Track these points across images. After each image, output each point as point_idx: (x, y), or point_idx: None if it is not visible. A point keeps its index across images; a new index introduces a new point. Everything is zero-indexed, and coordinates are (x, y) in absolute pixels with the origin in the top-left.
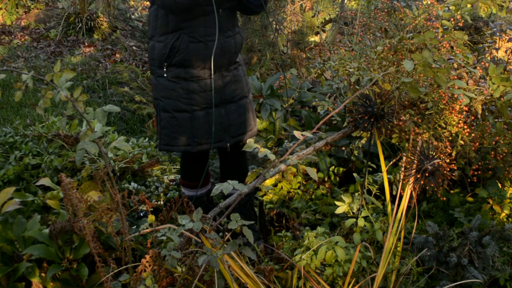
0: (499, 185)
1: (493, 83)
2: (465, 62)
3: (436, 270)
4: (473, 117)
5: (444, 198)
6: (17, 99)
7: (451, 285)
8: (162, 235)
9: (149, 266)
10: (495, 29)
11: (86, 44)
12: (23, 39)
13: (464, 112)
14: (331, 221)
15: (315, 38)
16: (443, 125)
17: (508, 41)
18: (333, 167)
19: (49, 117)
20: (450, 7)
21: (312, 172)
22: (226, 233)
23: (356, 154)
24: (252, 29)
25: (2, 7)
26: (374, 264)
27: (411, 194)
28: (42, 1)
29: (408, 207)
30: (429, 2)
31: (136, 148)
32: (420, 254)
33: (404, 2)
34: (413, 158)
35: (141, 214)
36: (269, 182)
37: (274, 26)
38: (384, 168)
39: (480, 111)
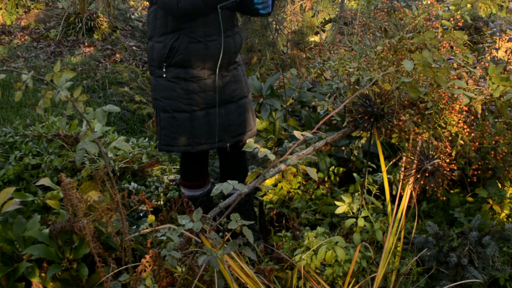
0: (499, 185)
1: (493, 83)
2: (465, 62)
3: (436, 270)
4: (473, 117)
5: (444, 198)
6: (17, 99)
7: (451, 285)
8: (162, 235)
9: (149, 266)
10: (495, 29)
11: (86, 44)
12: (23, 39)
13: (464, 112)
14: (331, 221)
15: (315, 38)
16: (443, 125)
17: (508, 41)
18: (333, 167)
19: (49, 117)
20: (450, 7)
21: (312, 172)
22: (226, 233)
23: (356, 154)
24: (252, 29)
25: (2, 7)
26: (374, 264)
27: (411, 194)
28: (42, 1)
29: (408, 207)
30: (429, 2)
31: (136, 148)
32: (420, 254)
33: (404, 2)
34: (413, 158)
35: (141, 214)
36: (269, 182)
37: (274, 26)
38: (384, 168)
39: (480, 111)
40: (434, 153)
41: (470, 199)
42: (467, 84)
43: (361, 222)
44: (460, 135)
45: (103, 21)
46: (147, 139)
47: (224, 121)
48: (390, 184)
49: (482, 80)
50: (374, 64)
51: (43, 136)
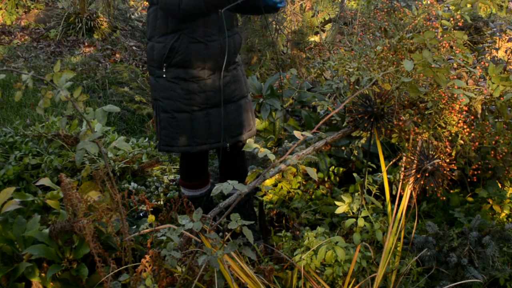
0: (499, 185)
1: (493, 83)
2: (464, 62)
3: (436, 270)
4: (472, 117)
5: (444, 198)
6: (17, 99)
7: (451, 285)
8: (162, 235)
9: (149, 266)
10: (495, 29)
11: (86, 44)
12: (23, 39)
13: (464, 112)
14: (331, 221)
15: (315, 38)
16: (443, 125)
17: (508, 41)
18: (333, 167)
19: (49, 117)
20: (450, 7)
21: (312, 172)
22: (226, 233)
23: (356, 154)
24: (252, 29)
25: (2, 7)
26: (374, 264)
27: (411, 194)
28: (42, 1)
29: (408, 207)
30: (428, 2)
31: (136, 148)
32: (420, 254)
33: (403, 2)
34: (413, 158)
35: (141, 214)
36: (269, 182)
37: (274, 26)
38: (384, 168)
39: (480, 111)
40: (434, 153)
41: (470, 199)
42: (467, 84)
43: (361, 222)
44: (460, 135)
45: (103, 21)
46: (147, 139)
47: (224, 121)
48: (390, 184)
49: (482, 80)
50: (374, 64)
51: (43, 136)
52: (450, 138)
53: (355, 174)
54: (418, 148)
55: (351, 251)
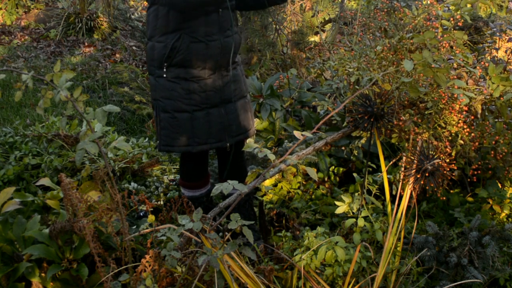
0: (499, 185)
1: (493, 83)
2: (464, 62)
3: (436, 270)
4: (472, 117)
5: (444, 198)
6: (17, 99)
7: (451, 285)
8: (162, 235)
9: (149, 266)
10: (495, 29)
11: (86, 44)
12: (23, 39)
13: (464, 112)
14: (331, 221)
15: (315, 38)
16: (443, 125)
17: (508, 41)
18: (333, 167)
19: (49, 117)
20: (450, 7)
21: (312, 172)
22: (226, 233)
23: (356, 154)
24: (252, 29)
25: (2, 7)
26: (374, 264)
27: (411, 194)
28: (42, 1)
29: (408, 207)
30: (428, 2)
31: (136, 148)
32: (420, 254)
33: (403, 2)
34: (413, 158)
35: (141, 214)
36: (269, 182)
37: (274, 26)
38: (384, 168)
39: (480, 111)
40: (434, 153)
41: (470, 199)
42: (467, 84)
43: (361, 222)
44: (460, 135)
45: (103, 21)
46: (147, 139)
47: (224, 120)
48: (390, 184)
49: (482, 80)
50: (374, 64)
51: (43, 136)
52: (450, 138)
53: (355, 174)
54: (418, 148)
55: (351, 251)
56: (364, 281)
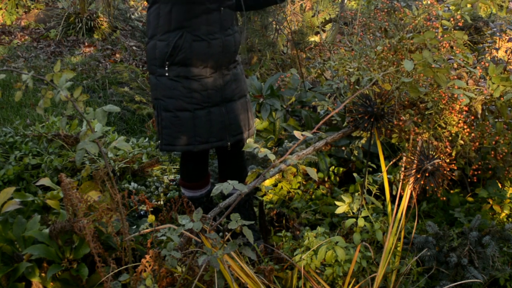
0: (499, 185)
1: (493, 83)
2: (465, 62)
3: (436, 270)
4: (473, 117)
5: (444, 198)
6: (17, 99)
7: (451, 285)
8: (162, 235)
9: (149, 266)
10: (495, 29)
11: (86, 44)
12: (23, 39)
13: (464, 112)
14: (331, 221)
15: (315, 38)
16: (443, 125)
17: (508, 41)
18: (333, 167)
19: (49, 117)
20: (450, 7)
21: (312, 172)
22: (226, 233)
23: (356, 154)
24: (252, 29)
25: (2, 7)
26: (374, 264)
27: (411, 194)
28: (42, 1)
29: (408, 207)
30: (429, 2)
31: (136, 148)
32: (420, 254)
33: (404, 2)
34: (413, 158)
35: (142, 213)
36: (269, 182)
37: (274, 26)
38: (384, 168)
39: (480, 111)
40: (434, 153)
41: (470, 199)
42: (467, 84)
43: (361, 222)
44: (460, 135)
45: (103, 21)
46: (147, 139)
47: (225, 119)
48: (390, 184)
49: (482, 80)
50: (374, 64)
51: (43, 136)
52: (450, 138)
53: (355, 174)
54: (418, 148)
55: (351, 251)
56: (364, 281)
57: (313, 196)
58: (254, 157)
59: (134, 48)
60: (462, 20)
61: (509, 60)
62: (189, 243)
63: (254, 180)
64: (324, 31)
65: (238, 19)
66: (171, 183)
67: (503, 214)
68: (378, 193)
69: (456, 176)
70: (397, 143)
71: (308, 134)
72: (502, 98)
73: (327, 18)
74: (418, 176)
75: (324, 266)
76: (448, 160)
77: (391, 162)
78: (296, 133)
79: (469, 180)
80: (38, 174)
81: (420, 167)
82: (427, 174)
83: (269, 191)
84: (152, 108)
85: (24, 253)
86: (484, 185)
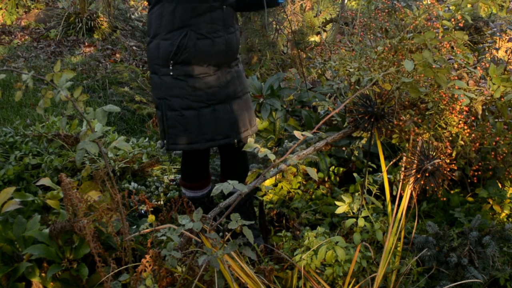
0: (499, 185)
1: (494, 84)
2: (465, 62)
3: (436, 270)
4: (473, 118)
5: (444, 198)
6: (17, 99)
7: (451, 285)
8: (162, 235)
9: (149, 266)
10: (495, 29)
11: (86, 44)
12: (23, 39)
13: (465, 113)
14: (331, 221)
15: (315, 38)
16: (443, 126)
17: (508, 41)
18: (333, 167)
19: (49, 117)
20: (451, 7)
21: (312, 172)
22: (226, 233)
23: (356, 154)
24: (252, 29)
25: (2, 7)
26: (374, 264)
27: (411, 194)
28: (42, 1)
29: (408, 207)
30: (429, 2)
31: (136, 148)
32: (420, 254)
33: (404, 2)
34: (413, 158)
35: (142, 212)
36: (269, 182)
37: (274, 26)
38: (384, 168)
39: (480, 112)
40: (434, 153)
41: (470, 199)
42: (467, 84)
43: (361, 222)
44: (460, 136)
45: (103, 21)
46: (147, 139)
47: (230, 117)
48: (390, 184)
49: (483, 80)
50: (375, 64)
51: (43, 136)
52: (450, 138)
53: (355, 174)
54: (418, 148)
55: (351, 251)
56: (364, 281)
57: (313, 196)
58: (254, 157)
59: (134, 48)
60: (463, 20)
61: (509, 60)
62: (189, 243)
63: (254, 180)
64: (324, 31)
65: (238, 18)
66: (171, 183)
67: (503, 214)
68: (378, 193)
69: (456, 176)
70: (397, 143)
71: (308, 134)
72: (502, 99)
73: (327, 18)
74: (418, 176)
75: (324, 266)
76: (448, 160)
77: (391, 162)
78: (296, 133)
79: (469, 180)
80: (38, 174)
81: (420, 167)
82: (427, 174)
83: (269, 191)
84: (155, 108)
85: (24, 253)
86: (484, 185)
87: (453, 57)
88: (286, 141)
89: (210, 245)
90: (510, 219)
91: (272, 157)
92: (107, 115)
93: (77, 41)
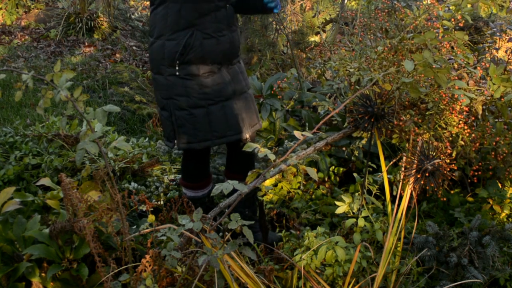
0: (499, 185)
1: (494, 84)
2: (465, 62)
3: (436, 270)
4: (473, 118)
5: (444, 198)
6: (17, 99)
7: (451, 285)
8: (162, 235)
9: (149, 266)
10: (495, 29)
11: (86, 44)
12: (23, 39)
13: (465, 113)
14: (331, 221)
15: (315, 38)
16: (444, 126)
17: (508, 41)
18: (333, 167)
19: (49, 117)
20: (451, 7)
21: (312, 172)
22: (226, 233)
23: (356, 154)
24: (252, 29)
25: (2, 7)
26: (374, 264)
27: (411, 194)
28: (42, 1)
29: (408, 207)
30: (429, 2)
31: (136, 148)
32: (420, 254)
33: (404, 2)
34: (413, 158)
35: (143, 210)
36: (269, 182)
37: (274, 26)
38: (384, 168)
39: (480, 112)
40: (434, 154)
41: (470, 199)
42: (467, 84)
43: (361, 222)
44: (460, 136)
45: (103, 21)
46: (147, 139)
47: (240, 112)
48: (391, 184)
49: (483, 80)
50: (375, 64)
51: (43, 136)
52: (450, 138)
53: (355, 174)
54: (418, 148)
55: (351, 251)
56: (364, 281)
57: (313, 196)
58: (254, 156)
59: (134, 48)
60: (463, 21)
61: (509, 60)
62: (189, 243)
63: (254, 180)
64: (324, 31)
65: (238, 18)
66: (171, 183)
67: (503, 214)
68: (378, 193)
69: (456, 176)
70: (397, 143)
71: (308, 134)
72: (502, 99)
73: (327, 18)
74: (418, 176)
75: (324, 266)
76: (448, 161)
77: (391, 162)
78: (296, 133)
79: (469, 180)
80: (38, 174)
81: (420, 167)
82: (427, 174)
83: (269, 191)
84: (161, 108)
85: (24, 253)
86: (484, 185)
87: (453, 57)
88: (286, 141)
89: (210, 245)
90: (510, 219)
91: (272, 157)
92: (107, 115)
93: (77, 41)
